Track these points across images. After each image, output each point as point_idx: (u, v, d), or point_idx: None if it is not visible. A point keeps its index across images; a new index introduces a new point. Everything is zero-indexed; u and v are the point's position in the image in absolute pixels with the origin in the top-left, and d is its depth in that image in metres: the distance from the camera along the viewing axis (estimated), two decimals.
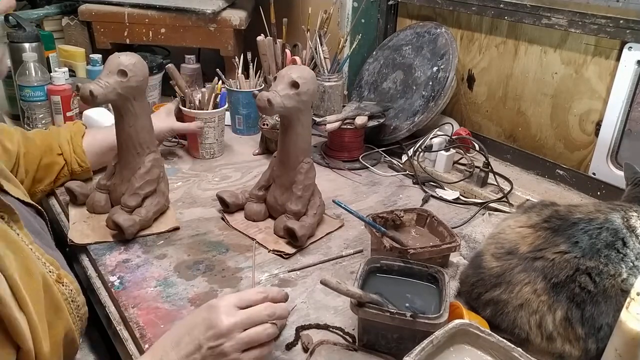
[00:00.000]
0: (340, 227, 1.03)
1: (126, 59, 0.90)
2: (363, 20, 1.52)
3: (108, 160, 1.03)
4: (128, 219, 0.93)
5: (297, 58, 1.40)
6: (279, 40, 1.43)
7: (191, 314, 0.68)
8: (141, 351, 0.73)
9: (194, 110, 1.25)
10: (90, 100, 0.87)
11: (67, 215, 1.02)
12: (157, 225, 0.99)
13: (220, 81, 1.29)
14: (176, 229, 0.99)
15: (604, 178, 1.13)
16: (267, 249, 0.95)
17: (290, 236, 0.95)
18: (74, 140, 1.06)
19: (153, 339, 0.73)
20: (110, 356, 0.90)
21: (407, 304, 0.73)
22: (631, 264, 0.70)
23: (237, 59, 1.39)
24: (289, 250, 0.94)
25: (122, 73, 0.89)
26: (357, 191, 1.18)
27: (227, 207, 1.04)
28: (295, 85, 0.89)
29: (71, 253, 0.97)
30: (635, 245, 0.71)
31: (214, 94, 1.28)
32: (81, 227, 0.97)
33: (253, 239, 0.97)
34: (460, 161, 1.27)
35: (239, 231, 1.00)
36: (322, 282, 0.67)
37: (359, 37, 1.35)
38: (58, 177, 1.06)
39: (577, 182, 1.18)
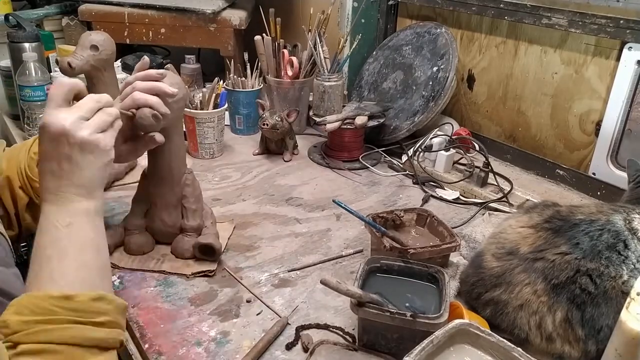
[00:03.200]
0: (234, 227, 1.00)
1: (97, 36, 1.03)
2: (363, 20, 1.52)
3: None
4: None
5: (294, 58, 1.41)
6: (281, 40, 1.43)
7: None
8: (141, 351, 0.73)
9: (194, 110, 1.25)
10: (69, 71, 1.00)
11: None
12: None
13: (221, 81, 1.29)
14: None
15: (604, 178, 1.13)
16: (185, 275, 0.86)
17: (204, 252, 0.88)
18: (30, 170, 0.83)
19: (153, 338, 0.73)
20: None
21: (407, 304, 0.73)
22: (632, 266, 0.69)
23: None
24: (211, 267, 0.88)
25: (94, 47, 1.01)
26: (357, 191, 1.18)
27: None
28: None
29: None
30: (636, 248, 0.70)
31: (214, 94, 1.28)
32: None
33: (162, 272, 0.87)
34: (460, 161, 1.27)
35: (138, 270, 0.88)
36: (322, 282, 0.67)
37: (359, 37, 1.35)
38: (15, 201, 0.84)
39: (577, 182, 1.18)
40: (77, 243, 0.61)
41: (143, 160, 0.89)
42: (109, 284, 0.64)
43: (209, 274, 0.87)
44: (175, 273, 0.87)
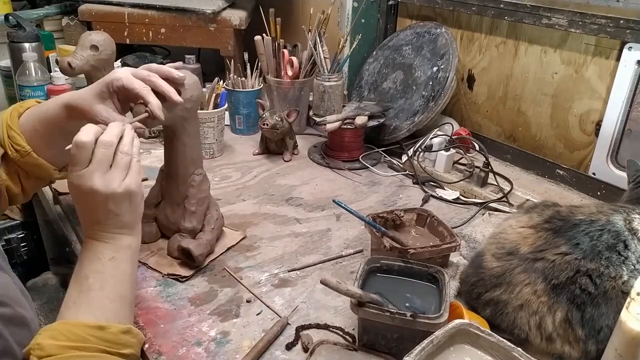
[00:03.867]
0: (242, 239, 0.97)
1: (97, 36, 1.02)
2: (363, 20, 1.52)
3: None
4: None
5: (294, 58, 1.41)
6: (281, 40, 1.43)
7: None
8: (141, 351, 0.73)
9: None
10: (69, 71, 1.01)
11: (71, 223, 1.01)
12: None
13: (221, 81, 1.29)
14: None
15: (604, 178, 1.13)
16: (161, 273, 0.87)
17: (186, 256, 0.88)
18: (10, 120, 0.79)
19: (153, 339, 0.73)
20: None
21: (407, 304, 0.73)
22: (632, 266, 0.69)
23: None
24: (186, 272, 0.87)
25: (94, 47, 1.01)
26: (357, 191, 1.18)
27: None
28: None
29: (70, 254, 0.97)
30: (636, 248, 0.70)
31: (214, 94, 1.28)
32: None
33: (144, 264, 0.89)
34: (460, 161, 1.27)
35: None
36: (322, 282, 0.67)
37: (359, 37, 1.35)
38: None
39: (577, 182, 1.18)
40: (117, 276, 0.66)
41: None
42: (132, 314, 0.69)
43: (180, 278, 0.86)
44: (153, 268, 0.88)
